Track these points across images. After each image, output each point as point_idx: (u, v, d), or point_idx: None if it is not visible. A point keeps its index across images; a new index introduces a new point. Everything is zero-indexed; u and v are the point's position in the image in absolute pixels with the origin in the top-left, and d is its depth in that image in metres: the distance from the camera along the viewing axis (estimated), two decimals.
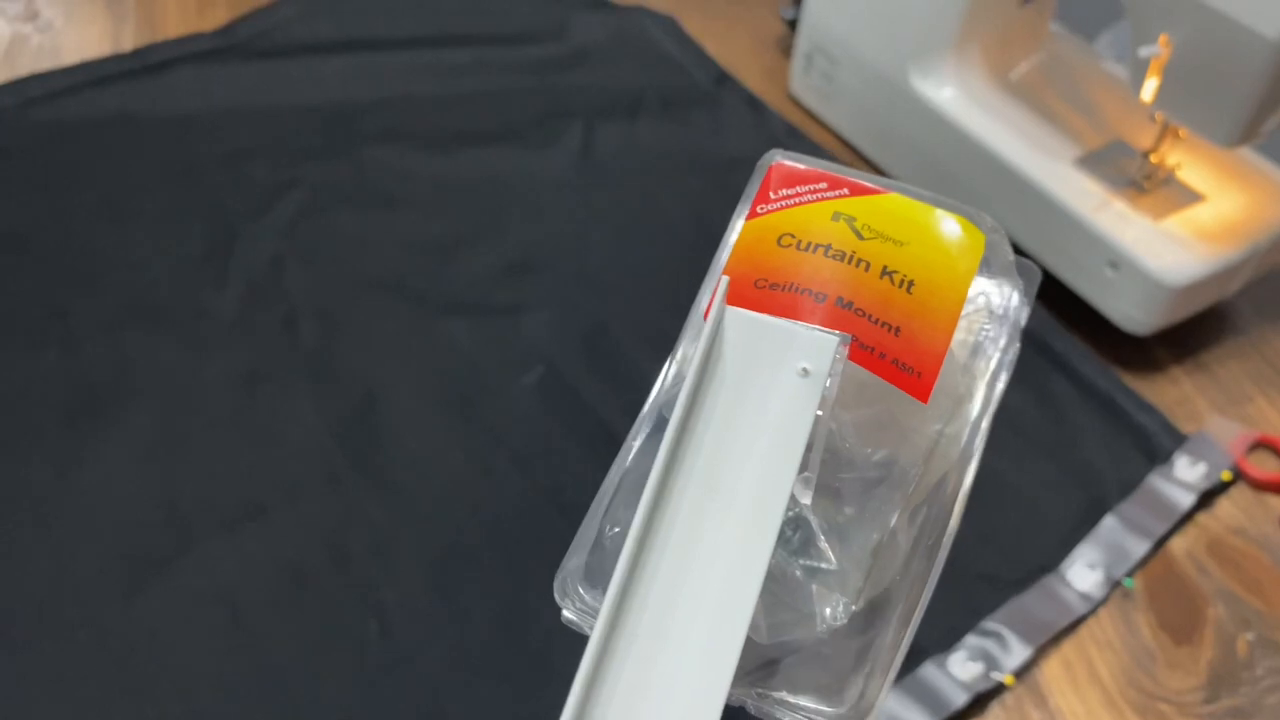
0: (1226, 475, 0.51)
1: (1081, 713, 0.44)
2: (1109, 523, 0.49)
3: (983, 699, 0.43)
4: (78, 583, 0.44)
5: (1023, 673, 0.44)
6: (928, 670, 0.43)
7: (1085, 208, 0.55)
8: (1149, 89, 0.52)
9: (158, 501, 0.47)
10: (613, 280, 0.59)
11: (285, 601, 0.44)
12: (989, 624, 0.45)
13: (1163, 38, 0.49)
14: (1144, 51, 0.50)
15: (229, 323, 0.54)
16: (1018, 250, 0.58)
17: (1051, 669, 0.45)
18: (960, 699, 0.42)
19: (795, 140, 0.68)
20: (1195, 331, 0.58)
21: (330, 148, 0.64)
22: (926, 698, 0.42)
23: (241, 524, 0.47)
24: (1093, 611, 0.47)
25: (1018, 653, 0.44)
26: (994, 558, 0.48)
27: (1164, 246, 0.53)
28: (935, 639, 0.45)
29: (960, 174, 0.61)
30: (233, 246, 0.58)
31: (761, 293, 0.24)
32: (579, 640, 0.44)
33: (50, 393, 0.50)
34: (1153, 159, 0.56)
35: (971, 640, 0.45)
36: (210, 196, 0.60)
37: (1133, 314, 0.54)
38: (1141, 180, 0.56)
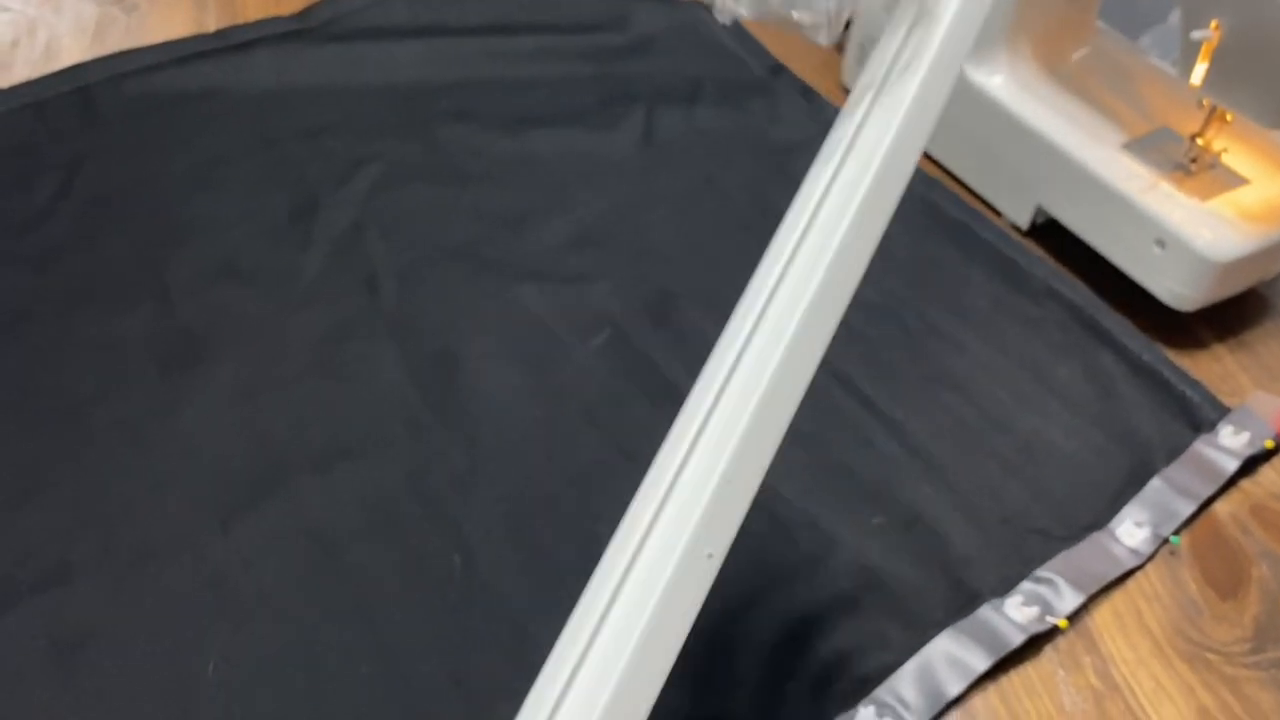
0: (1270, 443, 0.53)
1: (1131, 659, 0.46)
2: (1156, 484, 0.51)
3: (1037, 641, 0.45)
4: (178, 515, 0.47)
5: (1074, 619, 0.46)
6: (985, 612, 0.45)
7: (1133, 189, 0.57)
8: (1198, 73, 0.54)
9: (251, 442, 0.50)
10: (674, 253, 0.61)
11: (372, 535, 0.47)
12: (1042, 572, 0.47)
13: (1214, 22, 0.52)
14: (1195, 35, 0.52)
15: (314, 281, 0.57)
16: (1068, 232, 0.60)
17: (1102, 617, 0.47)
18: (1017, 639, 0.44)
19: None
20: (1237, 312, 0.60)
21: (404, 125, 0.67)
22: (984, 638, 0.44)
23: (330, 464, 0.49)
24: (1140, 567, 0.48)
25: (1070, 599, 0.46)
26: (1045, 515, 0.50)
27: (1209, 225, 0.55)
28: (991, 585, 0.47)
29: (1011, 159, 0.63)
30: (315, 213, 0.61)
31: None
32: None
33: (147, 342, 0.53)
34: (1199, 142, 0.58)
35: (1026, 586, 0.46)
36: (292, 167, 0.63)
37: (1179, 290, 0.56)
38: (1188, 164, 0.58)
